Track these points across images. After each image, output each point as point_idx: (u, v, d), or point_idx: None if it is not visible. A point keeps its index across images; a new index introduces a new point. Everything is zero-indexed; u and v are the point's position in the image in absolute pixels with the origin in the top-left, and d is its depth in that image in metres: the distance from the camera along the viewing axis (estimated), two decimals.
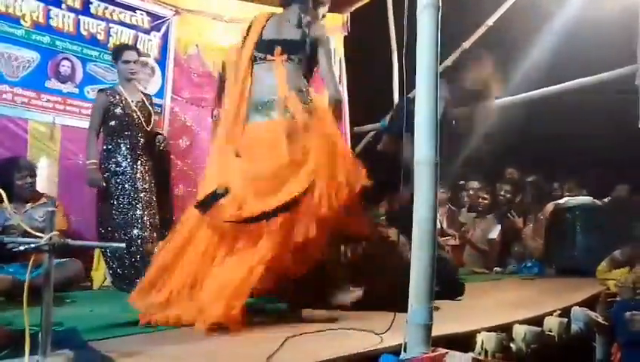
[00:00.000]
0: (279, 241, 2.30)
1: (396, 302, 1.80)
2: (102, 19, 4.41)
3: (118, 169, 3.57)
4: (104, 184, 3.54)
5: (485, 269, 4.96)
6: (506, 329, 2.23)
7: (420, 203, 1.72)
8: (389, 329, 1.90)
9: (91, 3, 4.35)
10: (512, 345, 2.19)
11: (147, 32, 4.65)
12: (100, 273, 3.73)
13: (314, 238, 2.31)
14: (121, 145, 3.60)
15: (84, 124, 3.92)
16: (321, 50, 2.68)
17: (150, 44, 4.66)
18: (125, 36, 4.52)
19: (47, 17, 4.15)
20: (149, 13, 4.65)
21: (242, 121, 2.55)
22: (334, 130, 2.58)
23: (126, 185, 3.56)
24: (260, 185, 2.38)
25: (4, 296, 2.83)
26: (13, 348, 1.62)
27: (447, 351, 1.72)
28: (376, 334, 1.92)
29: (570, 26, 5.04)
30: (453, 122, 3.62)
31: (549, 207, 4.60)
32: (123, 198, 3.54)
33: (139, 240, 3.50)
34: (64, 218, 3.67)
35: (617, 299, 2.87)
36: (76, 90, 4.30)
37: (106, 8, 4.43)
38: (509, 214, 4.96)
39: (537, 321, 2.43)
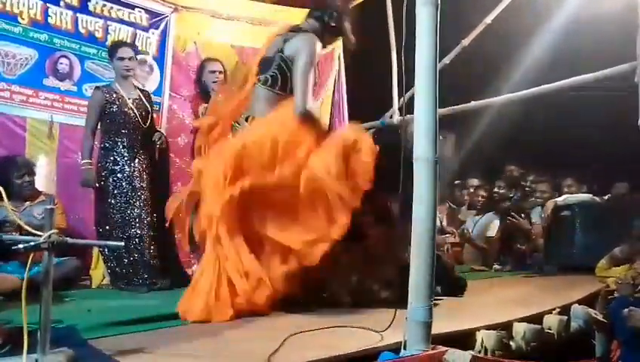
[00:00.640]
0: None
1: (395, 300, 1.81)
2: (100, 17, 4.39)
3: (115, 167, 3.55)
4: (98, 184, 3.53)
5: (484, 267, 4.96)
6: (505, 327, 2.23)
7: (419, 200, 1.72)
8: (389, 326, 1.90)
9: (89, 0, 4.34)
10: (511, 342, 2.19)
11: (145, 29, 4.63)
12: (99, 272, 3.72)
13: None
14: (118, 143, 3.58)
15: (83, 122, 3.90)
16: (296, 63, 2.61)
17: (148, 41, 4.65)
18: (123, 34, 4.50)
19: (45, 15, 4.14)
20: (147, 11, 4.63)
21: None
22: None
23: (123, 184, 3.54)
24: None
25: (7, 295, 2.82)
26: (12, 345, 1.62)
27: (446, 348, 1.72)
28: (376, 332, 1.92)
29: (570, 23, 5.04)
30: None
31: (549, 204, 4.59)
32: (121, 197, 3.53)
33: (137, 239, 3.48)
34: (63, 216, 3.67)
35: (616, 295, 2.87)
36: (74, 88, 4.28)
37: (104, 6, 4.41)
38: (509, 217, 4.92)
39: (537, 319, 2.43)
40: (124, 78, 3.70)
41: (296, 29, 2.77)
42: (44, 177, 4.01)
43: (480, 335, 2.06)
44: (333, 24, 2.80)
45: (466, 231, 5.26)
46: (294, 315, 2.39)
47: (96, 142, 3.66)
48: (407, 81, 1.89)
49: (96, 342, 1.85)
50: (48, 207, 1.54)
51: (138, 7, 4.59)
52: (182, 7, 4.84)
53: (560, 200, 4.62)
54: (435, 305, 1.77)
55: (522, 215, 4.89)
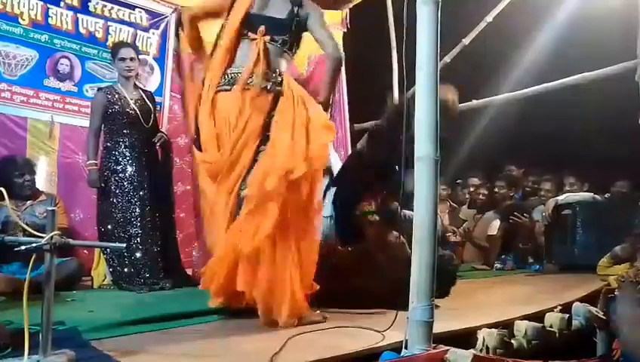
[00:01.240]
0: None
1: (396, 299, 1.80)
2: (100, 18, 4.39)
3: (117, 167, 3.56)
4: (102, 184, 3.54)
5: (485, 266, 4.97)
6: (507, 325, 2.23)
7: (420, 199, 1.72)
8: (390, 326, 1.91)
9: (90, 1, 4.33)
10: (513, 341, 2.18)
11: (146, 29, 4.63)
12: (101, 271, 3.72)
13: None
14: (121, 143, 3.59)
15: (83, 122, 3.91)
16: (310, 21, 2.58)
17: (149, 41, 4.65)
18: (124, 34, 4.50)
19: (46, 15, 4.14)
20: (147, 11, 4.63)
21: (214, 89, 2.53)
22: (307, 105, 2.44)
23: (125, 183, 3.54)
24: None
25: (8, 295, 2.82)
26: (14, 347, 1.62)
27: (448, 348, 1.72)
28: (377, 332, 1.92)
29: (570, 21, 5.04)
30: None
31: (550, 203, 4.59)
32: (122, 196, 3.53)
33: (139, 239, 3.49)
34: (64, 215, 3.68)
35: (617, 293, 2.86)
36: (75, 89, 4.28)
37: (105, 6, 4.41)
38: (512, 217, 4.91)
39: (538, 317, 2.44)
40: (126, 79, 3.70)
41: None
42: (44, 178, 4.01)
43: (481, 334, 2.06)
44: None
45: (467, 229, 5.27)
46: None
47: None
48: (408, 80, 1.89)
49: (99, 343, 1.84)
50: (50, 208, 1.53)
51: (138, 7, 4.59)
52: (182, 7, 4.83)
53: (561, 198, 4.62)
54: (437, 307, 1.77)
55: (525, 214, 4.89)
